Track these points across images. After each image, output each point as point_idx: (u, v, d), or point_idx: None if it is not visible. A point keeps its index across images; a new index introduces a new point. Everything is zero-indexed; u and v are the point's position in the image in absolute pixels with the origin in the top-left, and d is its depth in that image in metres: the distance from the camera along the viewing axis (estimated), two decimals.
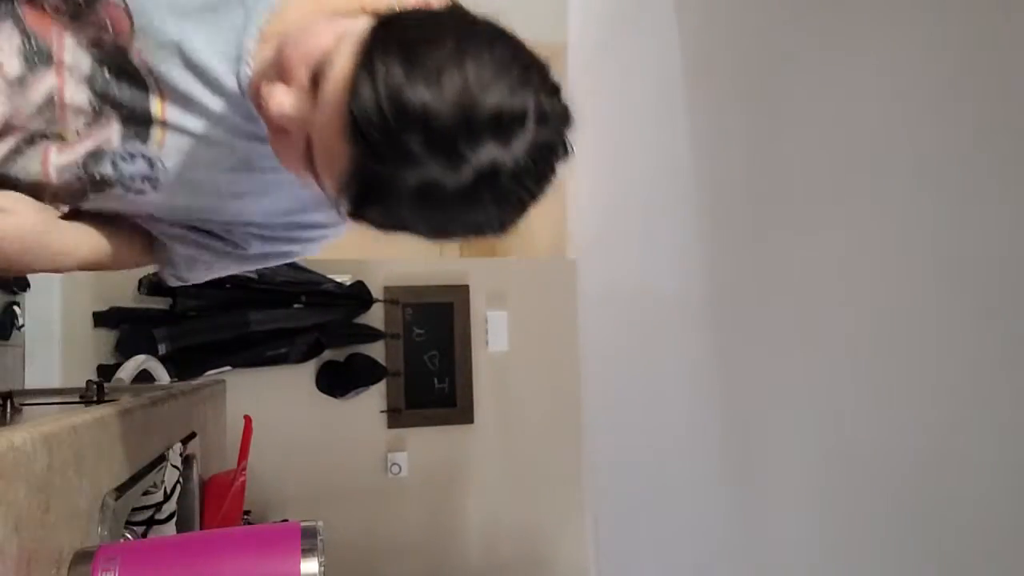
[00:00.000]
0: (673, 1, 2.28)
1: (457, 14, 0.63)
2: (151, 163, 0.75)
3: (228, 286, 2.76)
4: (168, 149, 0.74)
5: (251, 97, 0.68)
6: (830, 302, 1.60)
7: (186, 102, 0.73)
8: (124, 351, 2.61)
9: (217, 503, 1.38)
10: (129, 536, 0.88)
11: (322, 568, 0.58)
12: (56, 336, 2.47)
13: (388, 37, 0.58)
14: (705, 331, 2.12)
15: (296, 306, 2.83)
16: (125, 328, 2.70)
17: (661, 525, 2.42)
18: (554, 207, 3.49)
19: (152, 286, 2.72)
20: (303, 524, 0.61)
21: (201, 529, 1.28)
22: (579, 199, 3.18)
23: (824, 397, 1.62)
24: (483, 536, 2.98)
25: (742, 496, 1.95)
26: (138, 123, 0.73)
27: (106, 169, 0.74)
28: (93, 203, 0.78)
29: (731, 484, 2.00)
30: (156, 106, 0.73)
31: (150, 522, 0.97)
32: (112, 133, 0.74)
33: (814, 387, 1.65)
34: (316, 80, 0.60)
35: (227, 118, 0.74)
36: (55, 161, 0.74)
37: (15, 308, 2.31)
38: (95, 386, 1.04)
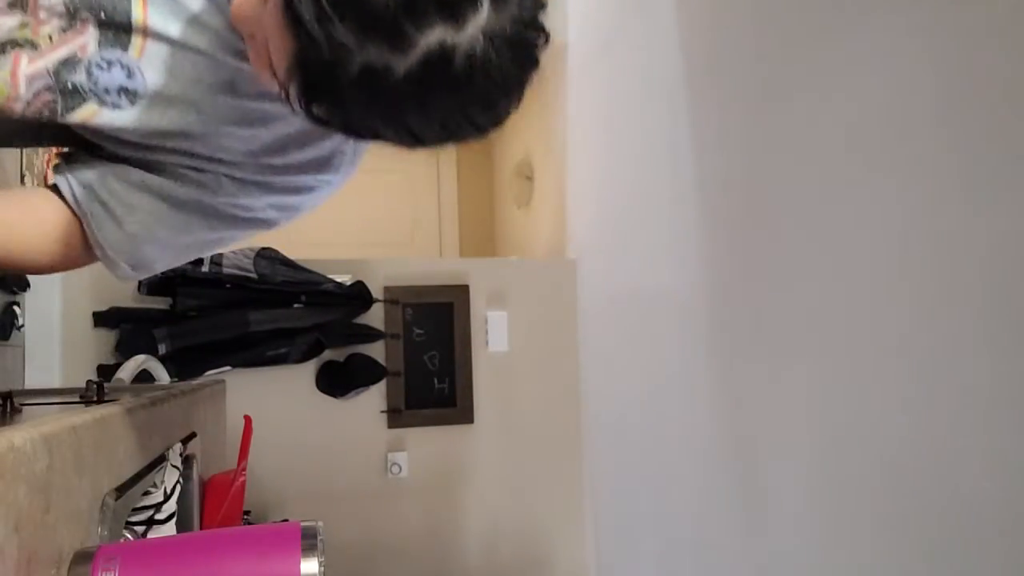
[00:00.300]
0: (673, 1, 2.28)
1: None
2: (130, 72, 0.71)
3: (228, 286, 2.76)
4: (148, 57, 0.71)
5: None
6: (830, 302, 1.60)
7: (171, 4, 0.70)
8: (124, 351, 2.61)
9: (217, 503, 1.38)
10: (129, 536, 0.88)
11: (322, 568, 0.58)
12: (56, 336, 2.47)
13: None
14: (705, 331, 2.12)
15: (296, 306, 2.83)
16: (125, 328, 2.70)
17: (661, 525, 2.41)
18: (554, 207, 3.49)
19: (152, 286, 2.72)
20: (303, 524, 0.61)
21: (201, 529, 1.28)
22: (579, 199, 3.18)
23: (824, 398, 1.62)
24: (483, 536, 2.98)
25: (742, 497, 1.95)
26: (117, 28, 0.70)
27: (80, 78, 0.71)
28: (66, 119, 0.73)
29: (731, 484, 2.00)
30: (138, 9, 0.70)
31: (150, 522, 0.97)
32: (88, 39, 0.70)
33: (814, 387, 1.65)
34: None
35: (212, 27, 0.71)
36: (25, 69, 0.70)
37: (15, 308, 2.31)
38: (95, 386, 1.04)
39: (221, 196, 0.78)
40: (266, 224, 0.82)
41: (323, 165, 0.81)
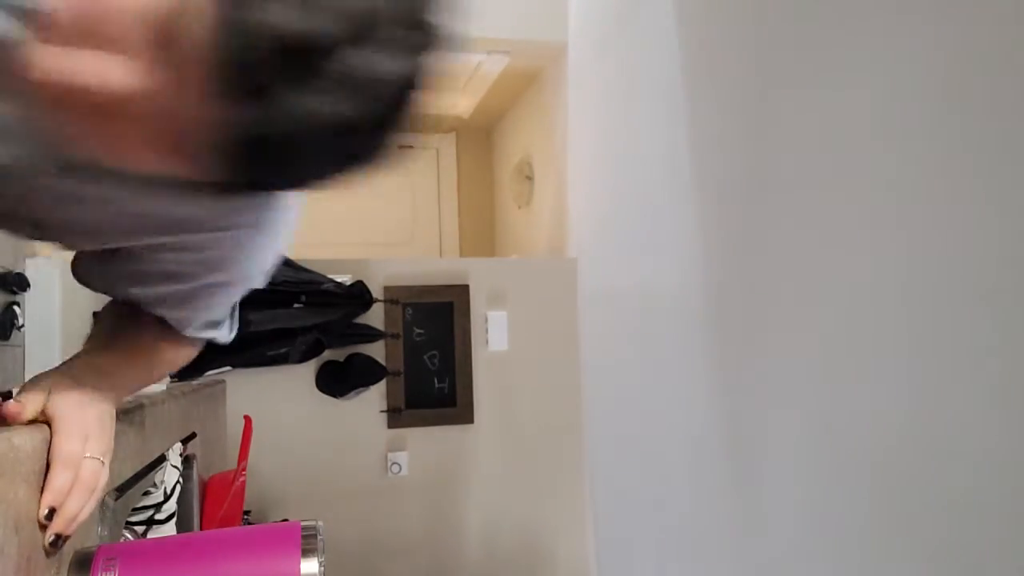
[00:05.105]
0: (673, 1, 2.28)
1: None
2: None
3: None
4: None
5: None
6: (829, 301, 1.60)
7: None
8: None
9: (217, 503, 1.38)
10: (129, 536, 0.88)
11: (322, 568, 0.58)
12: (56, 336, 2.47)
13: None
14: (705, 330, 2.12)
15: (296, 306, 2.83)
16: None
17: (661, 524, 2.41)
18: (554, 207, 3.49)
19: None
20: (303, 524, 0.61)
21: (201, 529, 1.28)
22: (579, 199, 3.18)
23: (824, 397, 1.62)
24: (483, 535, 2.98)
25: (742, 496, 1.95)
26: None
27: None
28: None
29: (730, 482, 2.00)
30: None
31: (150, 522, 0.97)
32: None
33: (813, 385, 1.65)
34: (156, 37, 0.45)
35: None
36: None
37: (15, 308, 2.31)
38: None
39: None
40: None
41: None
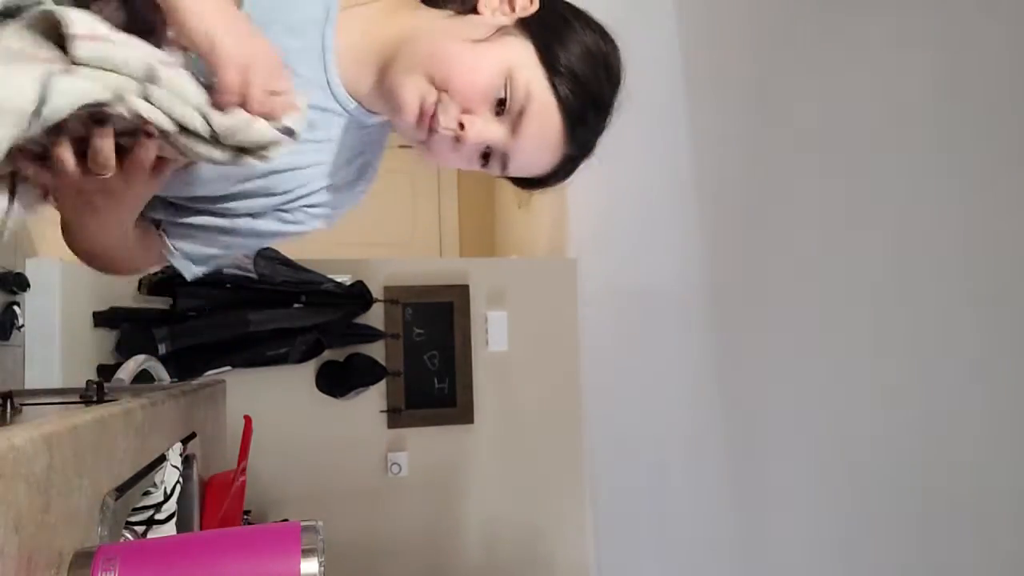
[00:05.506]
0: (673, 1, 2.28)
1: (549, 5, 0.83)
2: None
3: (228, 286, 2.76)
4: None
5: (408, 118, 0.76)
6: (830, 300, 1.60)
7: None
8: (124, 351, 2.61)
9: (217, 503, 1.38)
10: (129, 536, 0.88)
11: (322, 568, 0.58)
12: (56, 336, 2.47)
13: (548, 47, 0.77)
14: (705, 330, 2.12)
15: (296, 306, 2.83)
16: (125, 328, 2.70)
17: (662, 525, 2.42)
18: (554, 207, 3.49)
19: (152, 286, 2.72)
20: (303, 524, 0.61)
21: (201, 529, 1.28)
22: (579, 198, 3.18)
23: (824, 396, 1.62)
24: (483, 536, 2.98)
25: (742, 496, 1.95)
26: None
27: None
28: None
29: (731, 484, 2.00)
30: None
31: (150, 522, 0.97)
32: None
33: (814, 386, 1.65)
34: (501, 106, 0.77)
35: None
36: None
37: (15, 308, 2.31)
38: (95, 386, 1.04)
39: (307, 224, 0.91)
40: (304, 232, 0.94)
41: (360, 176, 0.94)
